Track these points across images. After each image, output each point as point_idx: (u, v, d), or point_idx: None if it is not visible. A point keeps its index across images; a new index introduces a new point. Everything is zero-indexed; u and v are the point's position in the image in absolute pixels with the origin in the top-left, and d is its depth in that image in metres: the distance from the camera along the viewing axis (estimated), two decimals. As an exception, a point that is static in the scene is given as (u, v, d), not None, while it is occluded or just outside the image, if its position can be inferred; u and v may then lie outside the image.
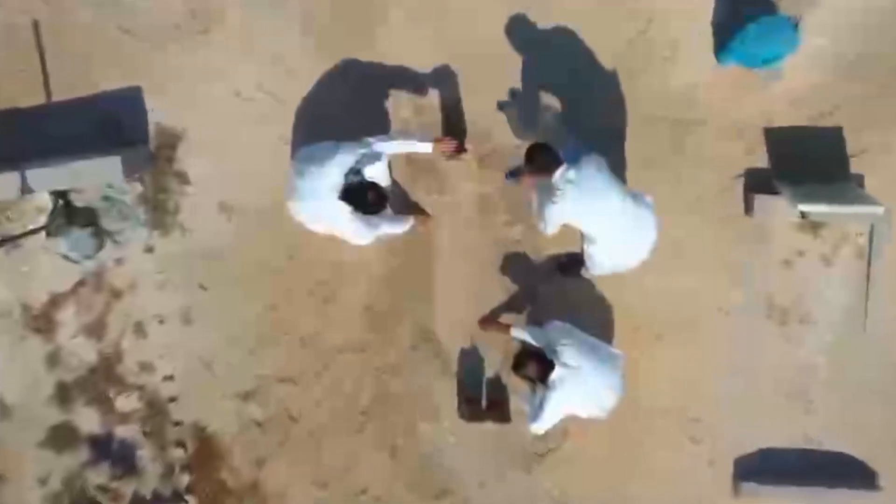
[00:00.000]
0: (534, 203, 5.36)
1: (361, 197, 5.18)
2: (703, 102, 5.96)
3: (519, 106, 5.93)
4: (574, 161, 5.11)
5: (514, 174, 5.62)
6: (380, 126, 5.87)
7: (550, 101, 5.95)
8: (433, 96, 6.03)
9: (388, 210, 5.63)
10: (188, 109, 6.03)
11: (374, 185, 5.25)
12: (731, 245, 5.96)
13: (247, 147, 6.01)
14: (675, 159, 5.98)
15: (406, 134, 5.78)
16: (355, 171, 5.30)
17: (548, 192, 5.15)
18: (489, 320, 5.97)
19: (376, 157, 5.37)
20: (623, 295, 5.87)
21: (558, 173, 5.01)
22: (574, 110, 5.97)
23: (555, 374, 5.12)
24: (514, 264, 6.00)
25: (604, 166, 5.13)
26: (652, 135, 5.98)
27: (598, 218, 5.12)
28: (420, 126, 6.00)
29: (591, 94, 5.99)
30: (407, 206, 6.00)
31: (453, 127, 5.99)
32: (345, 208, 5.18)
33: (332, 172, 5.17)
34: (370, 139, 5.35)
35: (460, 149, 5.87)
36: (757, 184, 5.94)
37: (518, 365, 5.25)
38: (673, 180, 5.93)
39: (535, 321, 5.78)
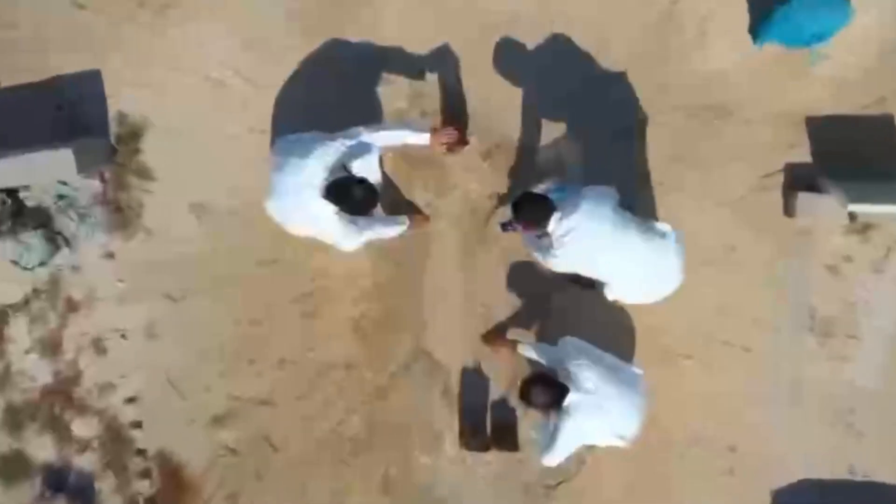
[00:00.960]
0: (534, 254, 5.10)
1: (348, 195, 4.75)
2: (737, 89, 5.53)
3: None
4: (567, 199, 4.83)
5: (508, 225, 5.17)
6: (371, 115, 5.44)
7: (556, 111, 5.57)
8: (431, 82, 5.61)
9: (379, 210, 5.25)
10: (153, 96, 5.63)
11: (362, 182, 4.80)
12: (769, 250, 5.53)
13: (220, 139, 5.62)
14: (706, 153, 5.57)
15: (400, 123, 5.37)
16: (342, 165, 4.88)
17: (546, 244, 4.93)
18: (494, 336, 5.54)
19: (366, 149, 4.94)
20: (646, 308, 5.30)
21: (552, 223, 4.75)
22: (591, 100, 5.56)
23: (569, 400, 4.69)
24: (522, 274, 5.56)
25: (605, 199, 4.84)
26: (680, 126, 5.57)
27: (607, 260, 4.86)
28: (416, 116, 5.57)
29: (610, 82, 5.58)
30: (401, 207, 5.59)
31: (454, 116, 5.56)
32: (329, 208, 4.75)
33: (315, 167, 4.75)
34: (359, 129, 4.95)
35: (462, 141, 5.44)
36: (799, 181, 5.51)
37: (526, 392, 4.81)
38: (703, 177, 5.53)
39: (546, 338, 5.35)
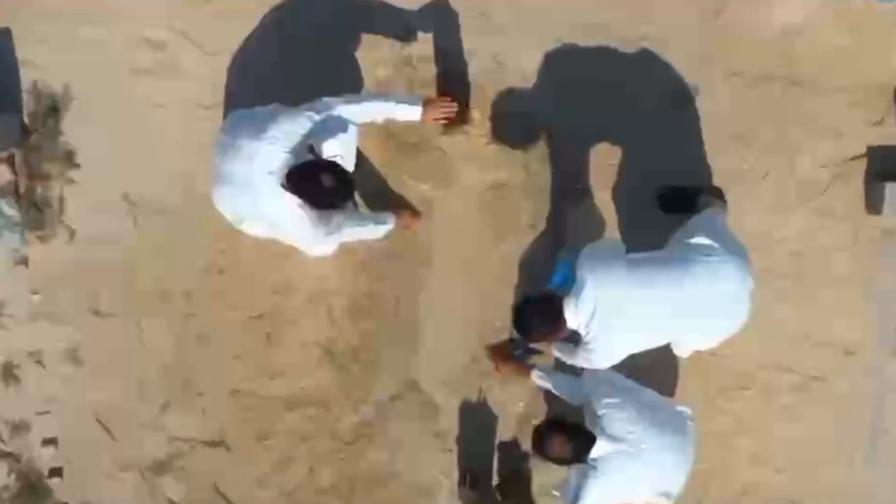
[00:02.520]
0: (575, 363, 4.50)
1: (316, 184, 4.07)
2: (810, 53, 5.02)
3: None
4: (570, 278, 4.29)
5: (523, 349, 4.83)
6: (346, 88, 4.77)
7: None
8: (423, 43, 5.05)
9: (361, 206, 4.82)
10: (76, 63, 5.07)
11: (334, 168, 4.11)
12: (848, 254, 5.02)
13: (159, 116, 5.02)
14: (771, 134, 4.99)
15: (384, 94, 4.72)
16: (308, 147, 4.20)
17: (578, 345, 4.33)
18: (503, 354, 4.92)
19: (339, 126, 4.27)
20: None
21: (571, 321, 4.13)
22: (628, 64, 4.98)
23: (596, 451, 4.06)
24: (537, 284, 4.85)
25: (607, 259, 4.20)
26: (738, 100, 4.99)
27: (655, 324, 4.21)
28: (404, 88, 4.98)
29: (652, 43, 5.03)
30: (385, 201, 5.01)
31: (452, 86, 4.96)
32: (291, 201, 4.10)
33: (273, 148, 4.10)
34: (330, 100, 4.30)
35: (462, 116, 4.86)
36: (887, 168, 5.00)
37: (541, 443, 4.17)
38: (766, 163, 4.97)
39: (567, 366, 4.64)
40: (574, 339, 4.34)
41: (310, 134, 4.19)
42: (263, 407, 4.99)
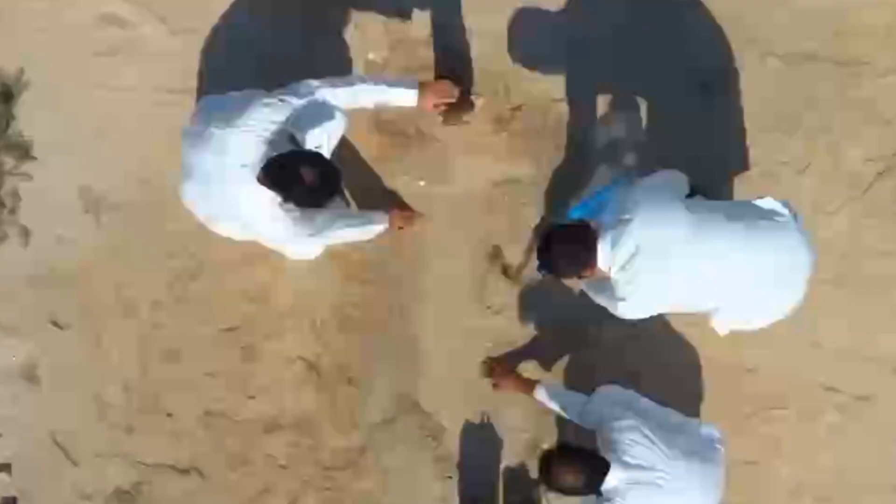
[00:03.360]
0: (601, 303, 4.20)
1: (296, 178, 3.73)
2: (858, 30, 4.70)
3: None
4: (613, 210, 3.90)
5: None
6: (335, 70, 4.48)
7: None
8: (419, 22, 4.75)
9: (346, 202, 4.50)
10: (30, 41, 4.85)
11: (315, 160, 3.78)
12: None
13: (123, 103, 4.76)
14: (814, 122, 4.67)
15: (375, 77, 4.40)
16: (288, 136, 3.87)
17: (608, 287, 3.99)
18: (501, 368, 4.56)
19: (323, 112, 3.96)
20: (720, 339, 4.30)
21: (602, 260, 3.78)
22: (654, 44, 4.66)
23: (611, 480, 3.74)
24: (550, 292, 4.62)
25: (669, 194, 3.92)
26: (778, 83, 4.68)
27: (702, 282, 3.88)
28: (400, 69, 4.66)
29: (682, 17, 4.71)
30: (377, 198, 4.72)
31: (453, 69, 4.67)
32: (268, 198, 3.76)
33: (247, 138, 3.78)
34: (313, 83, 3.98)
35: (464, 102, 4.58)
36: None
37: (548, 471, 3.81)
38: (809, 154, 4.65)
39: (578, 383, 4.42)
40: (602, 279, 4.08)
41: (290, 121, 3.86)
42: (239, 430, 4.74)
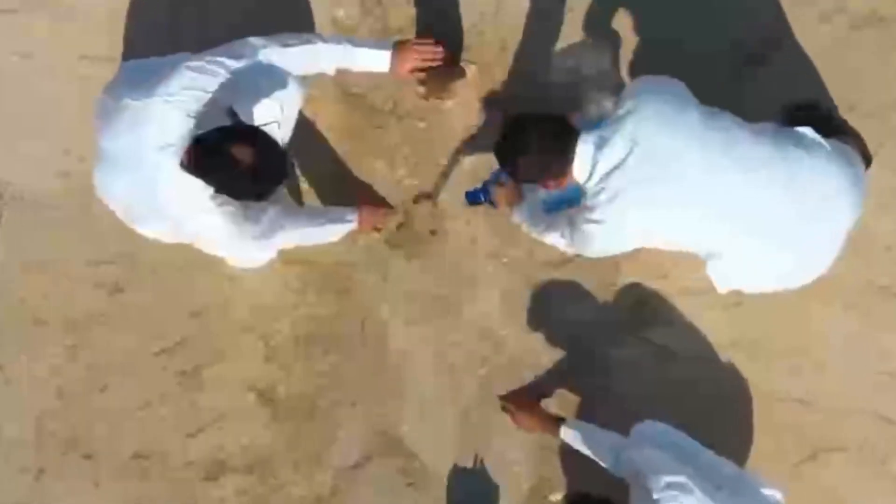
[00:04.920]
0: (544, 235, 3.57)
1: (227, 162, 3.02)
2: None
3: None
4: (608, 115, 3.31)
5: (489, 185, 3.78)
6: (294, 31, 3.75)
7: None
8: None
9: (298, 194, 3.81)
10: None
11: (253, 137, 3.07)
12: None
13: (31, 73, 4.16)
14: (882, 96, 3.94)
15: (338, 36, 3.73)
16: (226, 109, 3.15)
17: (573, 209, 3.37)
18: (521, 402, 3.87)
19: (271, 79, 3.31)
20: (772, 363, 3.76)
21: (582, 160, 3.13)
22: (693, 14, 3.99)
23: None
24: (566, 302, 3.96)
25: (678, 91, 3.22)
26: (839, 49, 3.98)
27: (707, 209, 3.13)
28: (375, 31, 4.01)
29: None
30: (343, 190, 4.06)
31: (438, 30, 3.97)
32: (195, 188, 3.08)
33: (169, 110, 3.08)
34: (256, 41, 3.31)
35: (451, 69, 3.93)
36: None
37: None
38: (876, 135, 3.87)
39: (605, 418, 3.67)
40: (567, 196, 3.45)
41: (228, 90, 3.14)
42: (178, 475, 4.09)
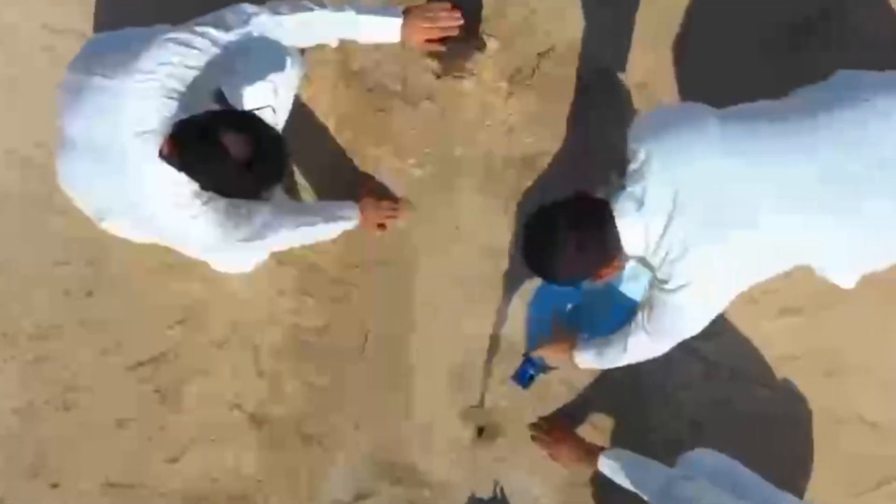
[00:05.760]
0: (617, 359, 3.03)
1: (214, 152, 2.60)
2: None
3: None
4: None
5: (530, 364, 3.38)
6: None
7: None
8: None
9: (293, 188, 3.43)
10: None
11: (246, 124, 2.65)
12: None
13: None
14: None
15: (338, 4, 3.30)
16: (214, 92, 2.79)
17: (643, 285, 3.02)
18: (558, 433, 3.50)
19: (266, 54, 2.92)
20: (833, 380, 3.39)
21: (630, 236, 2.61)
22: None
23: None
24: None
25: (676, 120, 2.71)
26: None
27: (774, 210, 2.59)
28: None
29: None
30: (344, 182, 3.68)
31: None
32: (176, 183, 2.67)
33: (146, 90, 2.69)
34: (248, 7, 2.91)
35: (469, 41, 3.56)
36: None
37: None
38: None
39: (646, 446, 3.33)
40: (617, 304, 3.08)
41: (215, 68, 2.76)
42: None
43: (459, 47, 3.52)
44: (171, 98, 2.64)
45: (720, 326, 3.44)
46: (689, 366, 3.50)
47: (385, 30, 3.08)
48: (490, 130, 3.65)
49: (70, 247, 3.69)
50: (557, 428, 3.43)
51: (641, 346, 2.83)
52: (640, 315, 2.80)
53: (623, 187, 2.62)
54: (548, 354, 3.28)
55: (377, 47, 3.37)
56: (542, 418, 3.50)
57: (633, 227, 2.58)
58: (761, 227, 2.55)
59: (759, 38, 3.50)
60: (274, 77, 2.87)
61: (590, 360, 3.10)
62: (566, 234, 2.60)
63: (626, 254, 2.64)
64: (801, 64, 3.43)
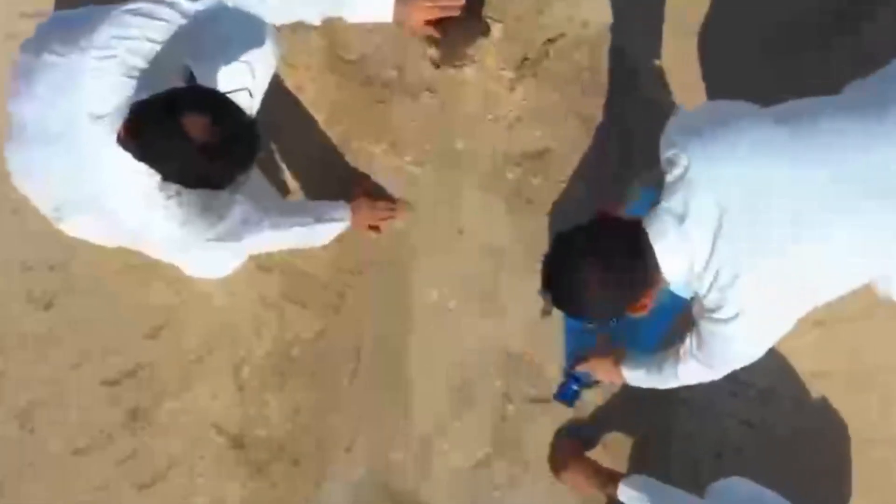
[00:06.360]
0: (670, 379, 2.67)
1: (174, 134, 2.27)
2: None
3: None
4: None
5: (573, 380, 3.08)
6: None
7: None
8: None
9: (255, 176, 2.86)
10: None
11: (212, 101, 2.33)
12: None
13: None
14: None
15: None
16: (182, 69, 2.48)
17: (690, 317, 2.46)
18: (572, 457, 3.19)
19: (241, 30, 2.61)
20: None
21: (669, 262, 2.23)
22: None
23: None
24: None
25: (714, 119, 2.34)
26: None
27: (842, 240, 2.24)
28: None
29: None
30: (333, 180, 3.42)
31: None
32: (136, 173, 2.35)
33: (104, 68, 2.38)
34: None
35: (471, 23, 3.32)
36: None
37: None
38: None
39: (668, 472, 3.11)
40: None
41: (183, 44, 2.46)
42: None
43: (462, 31, 3.24)
44: (132, 76, 2.35)
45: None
46: (713, 384, 3.20)
47: (376, 7, 2.80)
48: (494, 124, 3.41)
49: (32, 248, 3.40)
50: (571, 450, 3.13)
51: (694, 373, 2.50)
52: (688, 342, 2.44)
53: (657, 202, 2.24)
54: (593, 369, 2.94)
55: (370, 31, 3.11)
56: (558, 441, 3.20)
57: (675, 251, 2.22)
58: (833, 240, 2.20)
59: (787, 27, 3.18)
60: (250, 55, 2.58)
61: (640, 380, 2.76)
62: (593, 270, 2.22)
63: (663, 279, 2.26)
64: (802, 64, 3.16)
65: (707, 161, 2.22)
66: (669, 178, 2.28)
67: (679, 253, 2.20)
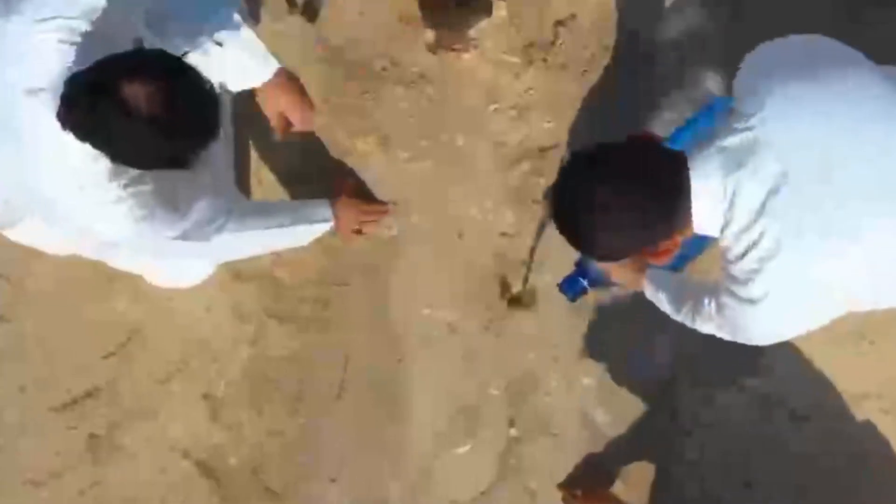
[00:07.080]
0: (690, 317, 2.31)
1: (113, 104, 1.89)
2: None
3: None
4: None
5: (581, 273, 2.75)
6: None
7: None
8: None
9: (225, 169, 2.58)
10: None
11: (155, 64, 1.96)
12: None
13: None
14: None
15: None
16: (134, 41, 2.08)
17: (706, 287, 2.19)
18: (594, 496, 2.89)
19: None
20: None
21: (705, 208, 1.86)
22: None
23: None
24: (621, 324, 3.02)
25: (802, 63, 1.94)
26: None
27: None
28: None
29: None
30: (316, 177, 3.12)
31: None
32: (81, 156, 1.98)
33: (40, 36, 2.00)
34: None
35: (473, 3, 3.08)
36: None
37: None
38: None
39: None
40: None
41: (132, 7, 2.13)
42: None
43: (460, 12, 2.98)
44: (71, 43, 2.00)
45: (783, 357, 2.83)
46: (745, 404, 2.89)
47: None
48: (498, 115, 3.11)
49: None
50: (594, 492, 2.81)
51: (710, 330, 2.12)
52: (706, 303, 2.09)
53: (713, 138, 1.86)
54: (614, 270, 2.52)
55: (360, 14, 2.82)
56: (575, 478, 2.88)
57: (715, 198, 1.83)
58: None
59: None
60: (227, 36, 2.26)
61: (660, 301, 2.38)
62: (609, 199, 1.85)
63: (692, 227, 1.89)
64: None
65: (787, 122, 1.84)
66: (739, 110, 1.90)
67: (719, 202, 1.84)
